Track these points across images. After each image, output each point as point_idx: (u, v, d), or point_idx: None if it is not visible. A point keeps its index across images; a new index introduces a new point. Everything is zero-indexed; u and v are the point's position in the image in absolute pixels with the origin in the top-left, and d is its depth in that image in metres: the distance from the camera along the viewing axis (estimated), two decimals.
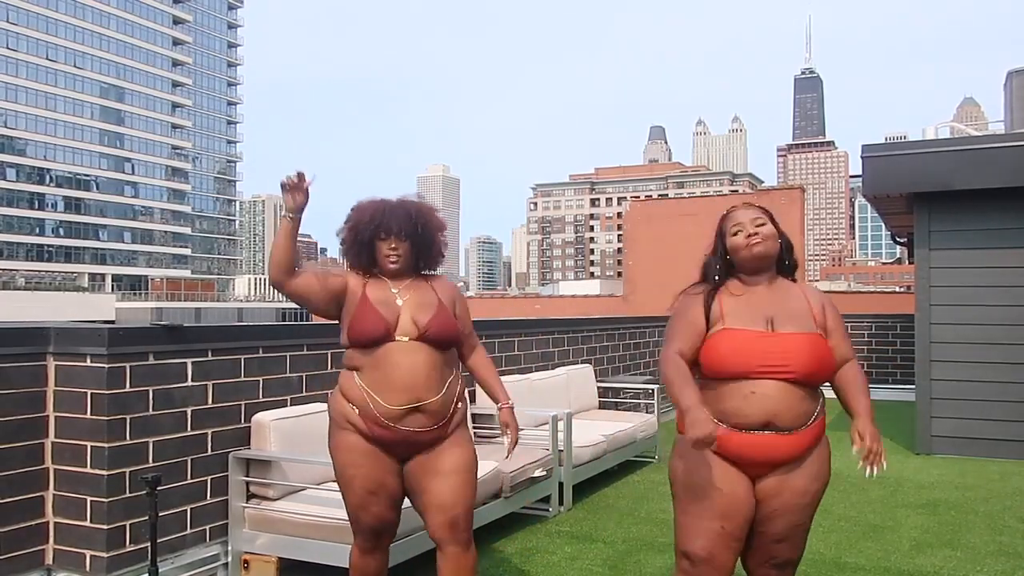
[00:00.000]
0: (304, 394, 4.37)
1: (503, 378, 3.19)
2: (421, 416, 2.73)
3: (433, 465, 2.79)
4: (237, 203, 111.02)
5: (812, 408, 2.45)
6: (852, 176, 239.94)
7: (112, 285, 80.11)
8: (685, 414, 2.28)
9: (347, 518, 2.91)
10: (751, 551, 2.54)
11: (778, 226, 2.61)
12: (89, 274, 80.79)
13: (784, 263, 2.63)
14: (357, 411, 2.74)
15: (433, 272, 2.98)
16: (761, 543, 2.52)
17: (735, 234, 2.57)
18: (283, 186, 2.65)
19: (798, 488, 2.46)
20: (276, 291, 2.81)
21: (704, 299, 2.54)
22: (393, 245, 2.78)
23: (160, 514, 3.31)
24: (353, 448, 2.77)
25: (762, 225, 2.56)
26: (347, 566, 3.55)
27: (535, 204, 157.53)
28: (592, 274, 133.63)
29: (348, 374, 2.81)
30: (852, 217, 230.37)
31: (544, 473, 4.93)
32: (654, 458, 6.76)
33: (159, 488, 3.23)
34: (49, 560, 3.46)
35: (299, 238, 2.75)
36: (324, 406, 4.25)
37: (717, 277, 2.58)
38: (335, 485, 4.00)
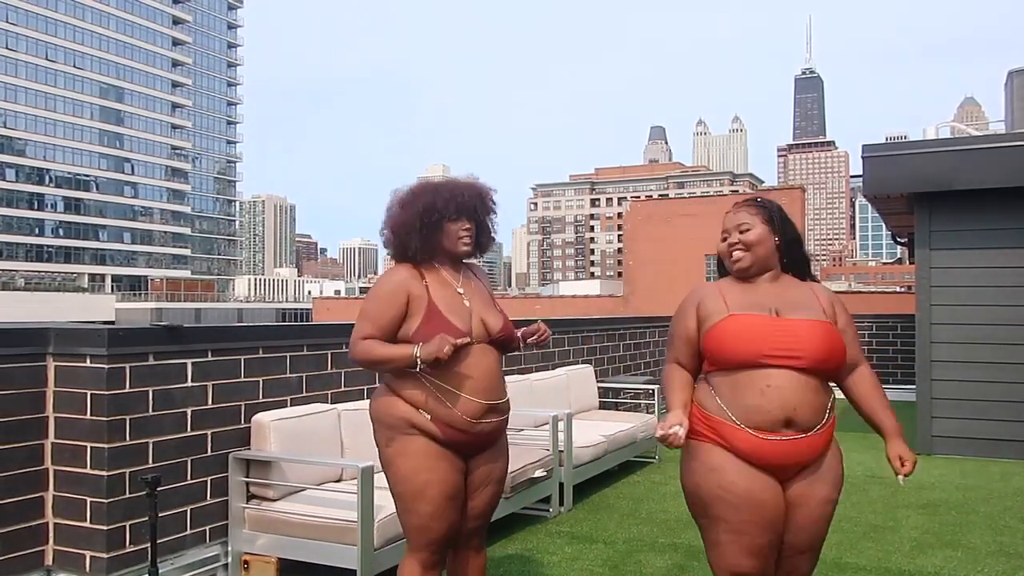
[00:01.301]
0: (304, 394, 4.36)
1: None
2: (494, 414, 2.67)
3: (489, 472, 2.73)
4: (237, 203, 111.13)
5: (827, 401, 2.35)
6: (852, 176, 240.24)
7: (112, 285, 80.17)
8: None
9: (406, 532, 2.66)
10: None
11: (777, 223, 2.44)
12: (89, 274, 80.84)
13: (789, 261, 2.47)
14: (428, 415, 2.58)
15: (469, 260, 2.86)
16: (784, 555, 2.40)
17: (723, 240, 2.48)
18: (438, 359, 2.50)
19: (821, 496, 2.36)
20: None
21: (699, 298, 2.47)
22: (467, 226, 2.68)
23: (160, 515, 3.31)
24: (424, 452, 2.58)
25: (747, 231, 2.42)
26: (346, 566, 3.55)
27: (535, 204, 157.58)
28: (592, 274, 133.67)
29: (407, 372, 2.60)
30: (852, 217, 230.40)
31: (544, 473, 4.93)
32: (654, 458, 6.76)
33: (159, 489, 3.22)
34: (49, 561, 3.45)
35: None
36: (324, 406, 4.29)
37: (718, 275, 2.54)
38: (335, 485, 4.02)
